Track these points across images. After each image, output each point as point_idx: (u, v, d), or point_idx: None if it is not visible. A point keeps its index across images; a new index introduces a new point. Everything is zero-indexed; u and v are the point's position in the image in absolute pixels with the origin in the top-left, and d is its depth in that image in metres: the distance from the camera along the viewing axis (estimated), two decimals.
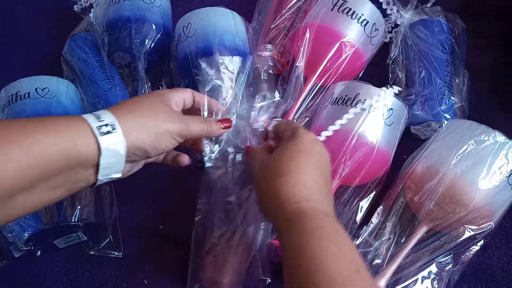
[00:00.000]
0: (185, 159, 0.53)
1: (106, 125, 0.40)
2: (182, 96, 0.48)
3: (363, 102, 0.55)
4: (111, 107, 0.43)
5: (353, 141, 0.54)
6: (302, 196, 0.40)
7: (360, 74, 0.67)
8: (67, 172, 0.39)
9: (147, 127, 0.42)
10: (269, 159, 0.44)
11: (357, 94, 0.56)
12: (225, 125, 0.50)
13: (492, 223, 0.51)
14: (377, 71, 0.68)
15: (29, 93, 0.61)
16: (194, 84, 0.64)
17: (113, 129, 0.40)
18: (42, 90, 0.62)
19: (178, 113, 0.46)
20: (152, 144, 0.43)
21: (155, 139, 0.43)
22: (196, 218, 0.54)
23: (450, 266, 0.52)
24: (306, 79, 0.63)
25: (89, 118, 0.40)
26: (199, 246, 0.54)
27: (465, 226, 0.51)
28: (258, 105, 0.63)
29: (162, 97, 0.46)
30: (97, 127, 0.39)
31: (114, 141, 0.40)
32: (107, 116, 0.40)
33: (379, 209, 0.57)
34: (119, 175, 0.42)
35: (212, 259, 0.53)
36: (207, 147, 0.52)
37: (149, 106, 0.44)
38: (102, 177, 0.41)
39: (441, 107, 0.60)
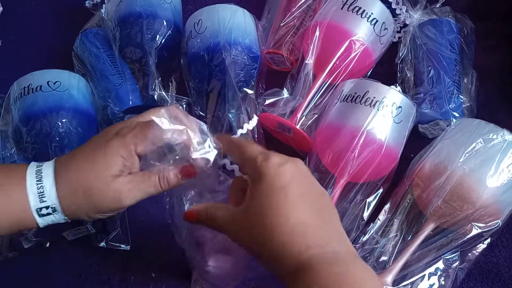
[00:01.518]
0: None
1: (47, 207, 0.41)
2: (143, 145, 0.42)
3: (372, 100, 0.56)
4: (59, 175, 0.41)
5: (362, 138, 0.54)
6: (299, 247, 0.35)
7: (369, 73, 0.68)
8: (13, 231, 0.42)
9: (84, 210, 0.42)
10: (244, 214, 0.38)
11: (366, 92, 0.56)
12: (186, 173, 0.44)
13: (499, 221, 0.51)
14: (385, 70, 0.69)
15: (41, 86, 0.62)
16: (203, 81, 0.65)
17: (54, 211, 0.41)
18: (54, 83, 0.62)
19: (121, 183, 0.42)
20: (92, 218, 0.44)
21: (94, 216, 0.43)
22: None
23: (457, 263, 0.52)
24: (315, 77, 0.64)
25: (31, 195, 0.40)
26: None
27: (473, 223, 0.51)
28: (267, 101, 0.64)
29: (108, 166, 0.41)
30: (37, 209, 0.41)
31: (55, 219, 0.42)
32: (51, 197, 0.41)
33: (386, 206, 0.57)
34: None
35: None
36: None
37: (88, 189, 0.41)
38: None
39: (450, 106, 0.60)
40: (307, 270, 0.34)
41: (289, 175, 0.38)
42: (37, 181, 0.41)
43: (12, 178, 0.41)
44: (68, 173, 0.42)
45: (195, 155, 0.43)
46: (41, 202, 0.40)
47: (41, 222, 0.41)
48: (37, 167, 0.42)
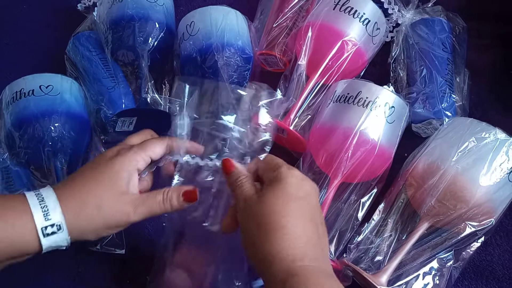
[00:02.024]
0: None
1: (53, 225, 0.40)
2: (143, 160, 0.45)
3: (365, 100, 0.56)
4: (61, 194, 0.41)
5: (355, 139, 0.54)
6: (296, 255, 0.37)
7: (362, 73, 0.68)
8: (7, 261, 0.41)
9: (94, 226, 0.42)
10: (257, 206, 0.40)
11: (359, 92, 0.56)
12: (188, 198, 0.46)
13: (492, 219, 0.52)
14: (378, 70, 0.69)
15: (33, 90, 0.61)
16: None
17: (59, 229, 0.40)
18: (46, 87, 0.62)
19: (129, 198, 0.43)
20: (97, 236, 0.44)
21: (101, 233, 0.43)
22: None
23: (451, 262, 0.53)
24: (308, 78, 0.64)
25: (37, 213, 0.40)
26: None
27: (466, 222, 0.51)
28: (260, 102, 0.64)
29: (115, 181, 0.43)
30: (42, 228, 0.39)
31: (58, 240, 0.41)
32: (55, 214, 0.40)
33: (381, 206, 0.57)
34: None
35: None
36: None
37: (99, 203, 0.42)
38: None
39: (442, 105, 0.60)
40: (298, 276, 0.36)
41: (308, 191, 0.41)
42: (40, 201, 0.40)
43: (8, 205, 0.40)
44: (74, 193, 0.42)
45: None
46: (46, 220, 0.40)
47: (45, 243, 0.40)
48: (34, 192, 0.41)
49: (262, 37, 0.70)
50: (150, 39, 0.66)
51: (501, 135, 0.52)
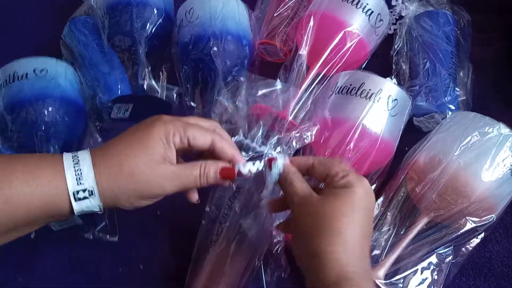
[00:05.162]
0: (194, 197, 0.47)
1: (84, 190, 0.39)
2: (179, 138, 0.42)
3: (368, 92, 0.55)
4: (97, 158, 0.40)
5: (358, 131, 0.53)
6: (349, 260, 0.38)
7: (363, 65, 0.67)
8: (45, 219, 0.40)
9: (127, 195, 0.40)
10: (318, 206, 0.40)
11: (362, 84, 0.55)
12: (225, 175, 0.43)
13: (494, 215, 0.51)
14: (380, 63, 0.68)
15: (26, 74, 0.60)
16: (194, 70, 0.63)
17: (91, 194, 0.39)
18: (40, 71, 0.61)
19: (164, 171, 0.41)
20: (132, 205, 0.42)
21: (135, 202, 0.41)
22: (202, 222, 0.54)
23: (450, 258, 0.52)
24: (308, 68, 0.63)
25: (69, 176, 0.39)
26: (200, 251, 0.54)
27: (467, 218, 0.51)
28: (260, 93, 0.63)
29: (151, 150, 0.40)
30: (74, 192, 0.39)
31: (90, 205, 0.40)
32: (88, 179, 0.39)
33: (380, 200, 0.56)
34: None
35: (209, 268, 0.52)
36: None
37: (132, 171, 0.40)
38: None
39: (446, 98, 0.59)
40: (351, 280, 0.37)
41: (369, 203, 0.41)
42: (74, 164, 0.39)
43: (44, 164, 0.39)
44: (108, 158, 0.40)
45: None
46: (78, 185, 0.39)
47: (77, 207, 0.39)
48: (72, 153, 0.40)
49: (262, 26, 0.69)
50: (148, 25, 0.65)
51: (504, 130, 0.51)
